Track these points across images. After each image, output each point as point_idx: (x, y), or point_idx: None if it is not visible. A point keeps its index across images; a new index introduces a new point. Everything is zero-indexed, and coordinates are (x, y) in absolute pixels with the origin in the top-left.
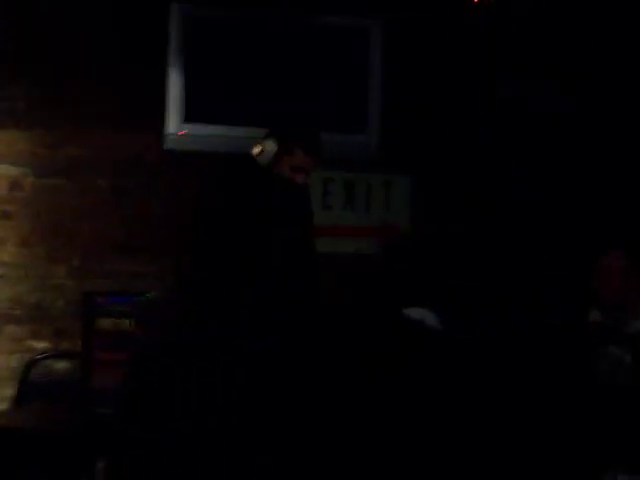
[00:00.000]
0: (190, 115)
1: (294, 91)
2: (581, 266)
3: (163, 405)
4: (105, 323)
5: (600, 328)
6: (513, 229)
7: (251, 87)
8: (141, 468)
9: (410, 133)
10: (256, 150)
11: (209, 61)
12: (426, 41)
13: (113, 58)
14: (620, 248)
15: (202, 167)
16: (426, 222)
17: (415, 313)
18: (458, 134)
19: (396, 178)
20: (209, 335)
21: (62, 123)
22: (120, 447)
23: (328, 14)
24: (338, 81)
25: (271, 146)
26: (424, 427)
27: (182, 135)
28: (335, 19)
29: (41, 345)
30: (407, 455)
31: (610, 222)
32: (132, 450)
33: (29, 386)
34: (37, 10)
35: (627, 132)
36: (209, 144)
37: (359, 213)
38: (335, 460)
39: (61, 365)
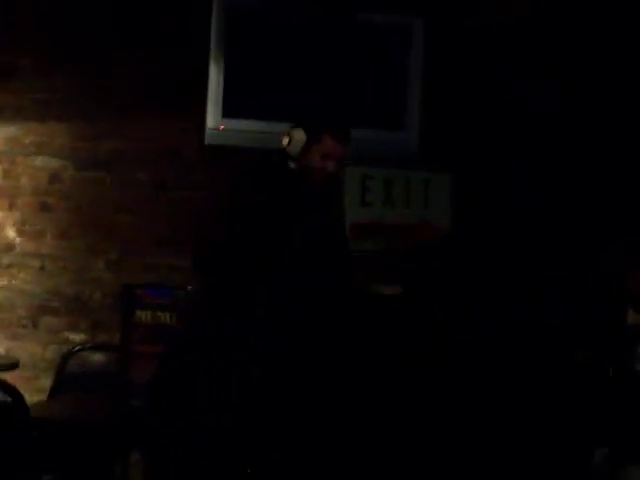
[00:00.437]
0: (230, 110)
1: (334, 87)
2: (581, 265)
3: (187, 399)
4: (143, 316)
5: (638, 329)
6: (514, 228)
7: (291, 83)
8: (168, 460)
9: (450, 131)
10: (285, 140)
11: (250, 56)
12: (466, 39)
13: (154, 51)
14: None
15: (241, 162)
16: (465, 220)
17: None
18: (496, 132)
19: (435, 175)
20: (229, 331)
21: (103, 116)
22: (149, 439)
23: (370, 11)
24: (378, 78)
25: (299, 135)
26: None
27: (222, 130)
28: (377, 16)
29: (78, 337)
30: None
31: (611, 220)
32: (159, 442)
33: (65, 378)
34: (82, 2)
35: (627, 132)
36: (248, 139)
37: (398, 210)
38: (347, 455)
39: (97, 357)
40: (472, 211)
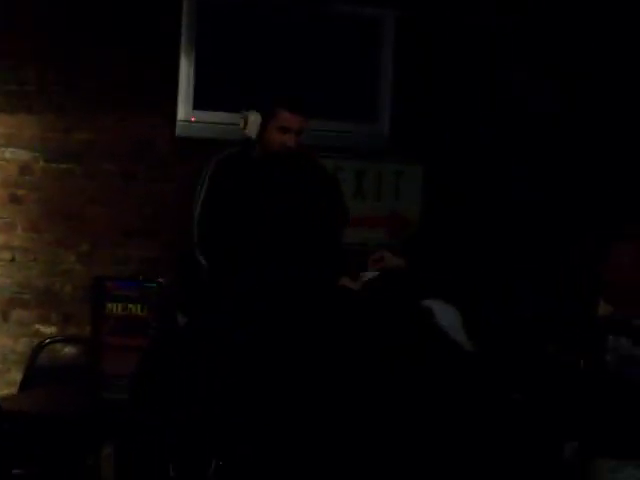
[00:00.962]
0: (200, 102)
1: (305, 79)
2: (551, 258)
3: (165, 393)
4: (114, 308)
5: (610, 320)
6: (484, 221)
7: (262, 75)
8: (144, 454)
9: (421, 122)
10: (241, 124)
11: (220, 48)
12: (438, 31)
13: (125, 43)
14: (631, 240)
15: (212, 153)
16: (435, 212)
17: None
18: (468, 124)
19: (407, 167)
20: (197, 323)
21: (73, 108)
22: (126, 432)
23: (340, 3)
24: (349, 70)
25: (254, 115)
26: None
27: (192, 122)
28: (347, 8)
29: (49, 330)
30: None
31: (581, 212)
32: (137, 436)
33: (36, 370)
34: None
35: (626, 131)
36: (219, 131)
37: (369, 203)
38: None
39: (68, 350)
40: (442, 203)
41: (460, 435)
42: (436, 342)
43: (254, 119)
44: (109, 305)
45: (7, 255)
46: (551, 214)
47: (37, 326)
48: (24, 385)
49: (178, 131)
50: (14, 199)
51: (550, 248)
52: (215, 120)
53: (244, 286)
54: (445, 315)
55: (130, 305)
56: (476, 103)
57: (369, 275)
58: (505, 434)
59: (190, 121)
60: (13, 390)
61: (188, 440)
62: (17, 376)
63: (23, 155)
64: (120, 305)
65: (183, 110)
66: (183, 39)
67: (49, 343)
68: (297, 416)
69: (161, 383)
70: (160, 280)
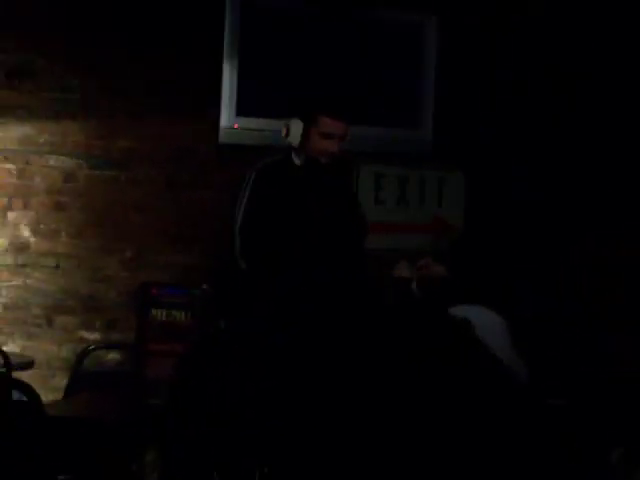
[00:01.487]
0: (244, 108)
1: (348, 85)
2: (551, 258)
3: (202, 399)
4: (158, 314)
5: None
6: (484, 223)
7: (305, 81)
8: (188, 461)
9: (464, 129)
10: (283, 132)
11: (264, 54)
12: (480, 37)
13: (169, 50)
14: None
15: (255, 161)
16: (478, 219)
17: (464, 311)
18: (510, 132)
19: (450, 174)
20: (233, 327)
21: (117, 115)
22: (166, 438)
23: (384, 8)
24: (392, 76)
25: (296, 123)
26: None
27: (235, 128)
28: (390, 14)
29: (93, 336)
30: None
31: (581, 213)
32: (181, 443)
33: (81, 376)
34: (98, 3)
35: (626, 131)
36: (262, 138)
37: (412, 209)
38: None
39: (112, 356)
40: (485, 209)
41: (498, 442)
42: (471, 352)
43: (296, 127)
44: (154, 311)
45: (51, 261)
46: (551, 214)
47: (81, 332)
48: (69, 391)
49: (221, 138)
50: (58, 206)
51: (550, 248)
52: (258, 127)
53: (289, 288)
54: (487, 325)
55: (174, 311)
56: (519, 108)
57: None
58: (548, 440)
59: (233, 128)
60: (58, 396)
61: (230, 447)
62: (61, 382)
63: (67, 162)
64: (164, 311)
65: (226, 117)
66: (226, 46)
67: (93, 349)
68: (338, 420)
69: (199, 388)
70: (204, 287)
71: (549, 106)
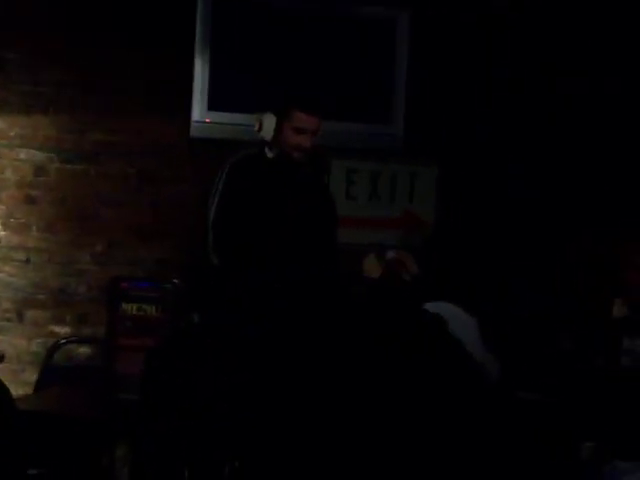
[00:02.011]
0: (215, 103)
1: (319, 80)
2: (547, 256)
3: (173, 392)
4: (129, 309)
5: (625, 321)
6: (479, 219)
7: (277, 75)
8: (158, 455)
9: (435, 124)
10: (256, 126)
11: (234, 49)
12: (452, 32)
13: (140, 44)
14: None
15: (226, 155)
16: (450, 214)
17: (435, 307)
18: (482, 124)
19: (421, 169)
20: (206, 319)
21: (89, 109)
22: (140, 434)
23: (355, 4)
24: (363, 71)
25: (268, 117)
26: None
27: (207, 122)
28: (362, 9)
29: (63, 330)
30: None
31: (577, 211)
32: (151, 437)
33: (51, 371)
34: None
35: (624, 129)
36: (234, 132)
37: (384, 204)
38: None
39: (83, 350)
40: (457, 204)
41: (470, 436)
42: (444, 347)
43: (269, 121)
44: (124, 305)
45: (22, 256)
46: (548, 212)
47: (52, 326)
48: (39, 385)
49: (193, 132)
50: (29, 200)
51: (546, 246)
52: (230, 121)
53: (262, 282)
54: (459, 322)
55: (145, 306)
56: (491, 103)
57: (391, 255)
58: (518, 434)
59: (205, 122)
60: (28, 390)
61: (201, 441)
62: (32, 376)
63: (38, 156)
64: (135, 306)
65: (198, 111)
66: (198, 39)
67: (64, 343)
68: (308, 413)
69: (170, 382)
70: (175, 281)
71: (535, 97)
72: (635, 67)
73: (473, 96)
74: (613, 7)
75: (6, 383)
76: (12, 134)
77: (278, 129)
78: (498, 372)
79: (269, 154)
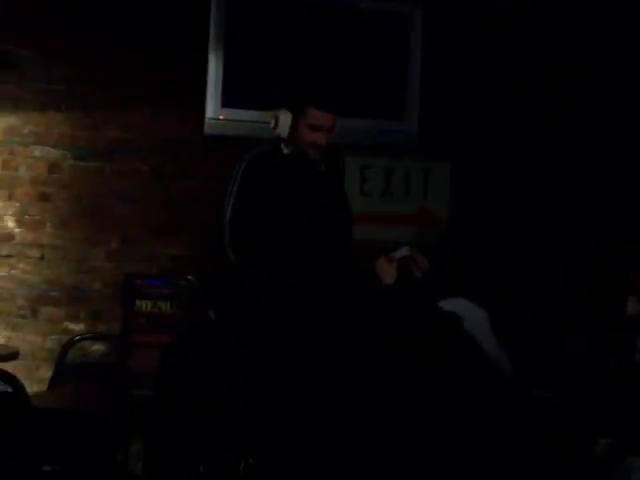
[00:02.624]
0: (229, 100)
1: (333, 76)
2: (551, 258)
3: (189, 388)
4: (144, 305)
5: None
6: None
7: (290, 72)
8: (173, 451)
9: (449, 120)
10: (272, 123)
11: (249, 46)
12: (466, 29)
13: (155, 41)
14: None
15: (240, 152)
16: (464, 210)
17: (450, 304)
18: (495, 122)
19: (435, 165)
20: (222, 316)
21: (102, 106)
22: (154, 429)
23: (369, 0)
24: (377, 67)
25: (284, 114)
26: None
27: (221, 120)
28: (377, 5)
29: (78, 327)
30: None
31: (581, 213)
32: (165, 433)
33: (66, 368)
34: None
35: (626, 131)
36: (248, 129)
37: (398, 200)
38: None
39: (97, 347)
40: (471, 201)
41: (484, 433)
42: (460, 346)
43: (285, 118)
44: (139, 302)
45: (36, 253)
46: (551, 214)
47: (66, 323)
48: (53, 382)
49: (206, 129)
50: (43, 197)
51: (550, 248)
52: (243, 118)
53: (277, 279)
54: (474, 319)
55: (159, 302)
56: (504, 101)
57: (401, 253)
58: (533, 431)
59: (218, 119)
60: (42, 387)
61: (216, 437)
62: (46, 373)
63: (52, 153)
64: (150, 302)
65: (212, 108)
66: (212, 37)
67: (78, 340)
68: (322, 410)
69: (185, 378)
70: (189, 277)
71: (539, 100)
72: (639, 70)
73: (483, 94)
74: (616, 9)
75: (21, 380)
76: (26, 131)
77: (293, 126)
78: (510, 370)
79: (285, 150)
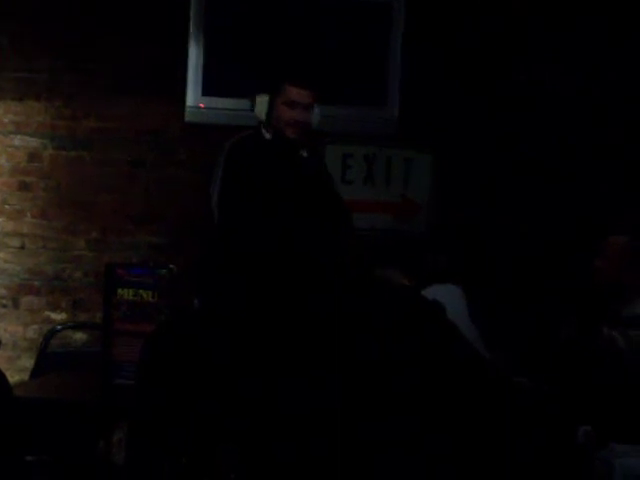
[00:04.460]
0: (209, 88)
1: (314, 64)
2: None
3: (173, 376)
4: (125, 294)
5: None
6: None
7: (270, 60)
8: (154, 440)
9: (430, 108)
10: (251, 106)
11: (229, 34)
12: (447, 17)
13: (134, 30)
14: (626, 231)
15: (221, 140)
16: (444, 198)
17: (432, 293)
18: (478, 111)
19: (417, 153)
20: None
21: (82, 94)
22: (137, 415)
23: None
24: (358, 55)
25: (261, 96)
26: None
27: (202, 108)
28: None
29: (59, 316)
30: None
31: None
32: (147, 422)
33: (47, 357)
34: None
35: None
36: (228, 117)
37: (379, 188)
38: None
39: (79, 336)
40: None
41: (474, 425)
42: (445, 335)
43: (262, 99)
44: (120, 291)
45: (17, 242)
46: (538, 199)
47: (47, 313)
48: (35, 372)
49: (187, 117)
50: (23, 186)
51: (536, 231)
52: (224, 106)
53: (267, 263)
54: (451, 302)
55: (141, 291)
56: (486, 89)
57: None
58: (516, 419)
59: (199, 107)
60: (24, 377)
61: (199, 427)
62: (28, 363)
63: (32, 142)
64: (131, 291)
65: (192, 96)
66: (192, 25)
67: (60, 330)
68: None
69: (168, 368)
70: (171, 266)
71: (521, 86)
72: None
73: (465, 81)
74: (618, 11)
75: (2, 370)
76: (5, 120)
77: (271, 107)
78: (488, 356)
79: (266, 135)
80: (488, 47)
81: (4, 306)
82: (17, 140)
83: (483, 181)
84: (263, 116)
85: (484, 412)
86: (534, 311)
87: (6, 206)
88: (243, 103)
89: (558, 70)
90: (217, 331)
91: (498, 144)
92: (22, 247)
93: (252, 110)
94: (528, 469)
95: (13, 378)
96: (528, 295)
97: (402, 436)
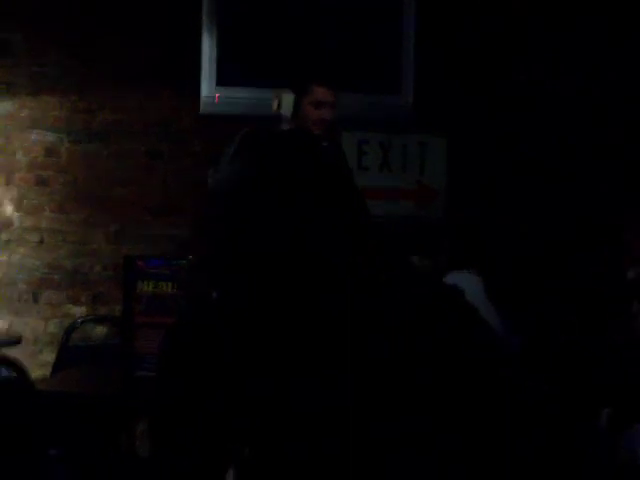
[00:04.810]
0: (224, 78)
1: (329, 52)
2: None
3: (192, 368)
4: (145, 287)
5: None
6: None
7: (285, 49)
8: (174, 431)
9: (445, 94)
10: (275, 105)
11: (242, 24)
12: (447, 17)
13: (148, 22)
14: None
15: (236, 130)
16: (460, 184)
17: (449, 280)
18: (477, 110)
19: (432, 139)
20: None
21: (97, 88)
22: (158, 408)
23: None
24: (372, 42)
25: (287, 94)
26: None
27: (216, 98)
28: None
29: (79, 310)
30: None
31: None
32: (170, 413)
33: (68, 351)
34: None
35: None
36: (243, 107)
37: (395, 175)
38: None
39: (100, 330)
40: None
41: (495, 410)
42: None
43: (288, 98)
44: (140, 284)
45: (36, 237)
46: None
47: (68, 307)
48: (57, 366)
49: (202, 108)
50: (40, 181)
51: (551, 216)
52: (238, 96)
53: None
54: (469, 288)
55: (161, 283)
56: (486, 89)
57: None
58: (537, 402)
59: (214, 98)
60: (46, 371)
61: (221, 419)
62: (49, 357)
63: (48, 137)
64: (151, 283)
65: (206, 87)
66: (205, 15)
67: (81, 323)
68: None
69: (188, 359)
70: (190, 257)
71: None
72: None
73: (479, 67)
74: (618, 11)
75: (24, 365)
76: (22, 116)
77: (297, 105)
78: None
79: (284, 130)
80: (488, 47)
81: (25, 301)
82: (34, 135)
83: (483, 181)
84: (289, 115)
85: (493, 411)
86: (534, 311)
87: (24, 201)
88: (258, 93)
89: (558, 70)
90: (230, 328)
91: (498, 144)
92: (41, 242)
93: (274, 108)
94: (528, 469)
95: (35, 373)
96: (528, 295)
97: (414, 436)
